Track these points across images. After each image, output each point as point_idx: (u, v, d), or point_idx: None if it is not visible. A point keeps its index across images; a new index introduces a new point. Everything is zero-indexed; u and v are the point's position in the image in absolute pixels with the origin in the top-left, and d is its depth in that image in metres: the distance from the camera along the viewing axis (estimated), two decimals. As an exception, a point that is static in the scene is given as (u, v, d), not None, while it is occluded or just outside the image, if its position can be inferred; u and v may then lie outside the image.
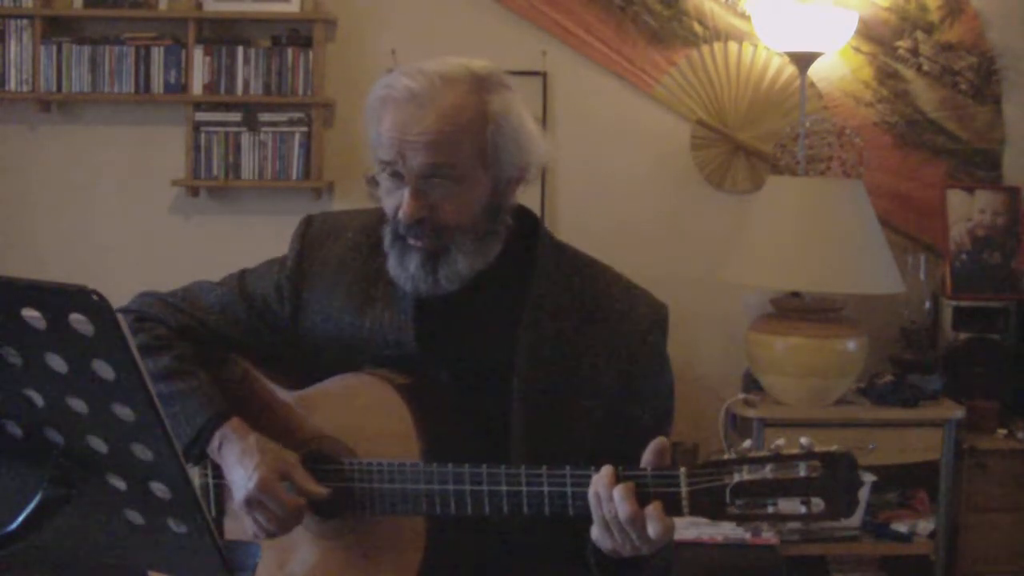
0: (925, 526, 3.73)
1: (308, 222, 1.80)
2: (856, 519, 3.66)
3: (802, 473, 1.41)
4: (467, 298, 1.66)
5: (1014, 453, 3.77)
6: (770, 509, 1.42)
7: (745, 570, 3.25)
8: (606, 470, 1.46)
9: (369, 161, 1.67)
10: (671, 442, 1.55)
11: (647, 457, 1.48)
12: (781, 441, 1.43)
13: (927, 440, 3.66)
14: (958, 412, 3.69)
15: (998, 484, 3.75)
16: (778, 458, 1.41)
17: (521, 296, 1.67)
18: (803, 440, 1.42)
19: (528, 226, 1.72)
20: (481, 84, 1.60)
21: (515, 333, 1.65)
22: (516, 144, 1.61)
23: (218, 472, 1.72)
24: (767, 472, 1.41)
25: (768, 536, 3.34)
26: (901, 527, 3.73)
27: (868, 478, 3.63)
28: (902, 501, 3.85)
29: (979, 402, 3.82)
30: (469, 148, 1.58)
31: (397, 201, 1.61)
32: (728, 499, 1.42)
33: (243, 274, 1.81)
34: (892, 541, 3.72)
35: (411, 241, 1.62)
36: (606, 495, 1.45)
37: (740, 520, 1.46)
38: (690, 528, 3.27)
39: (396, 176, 1.60)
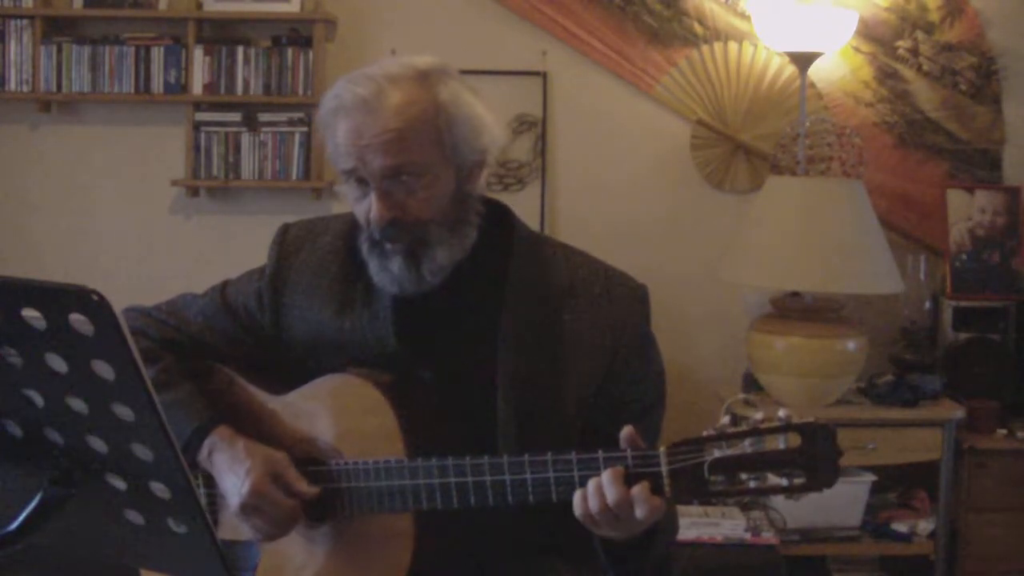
0: (925, 526, 3.73)
1: (284, 230, 1.82)
2: (856, 519, 3.66)
3: (781, 446, 1.41)
4: (446, 293, 1.67)
5: (1014, 453, 3.76)
6: (751, 484, 1.42)
7: (745, 570, 3.24)
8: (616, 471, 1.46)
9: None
10: (664, 433, 1.55)
11: (622, 445, 1.49)
12: (759, 415, 1.43)
13: (927, 440, 3.66)
14: (958, 412, 3.69)
15: (998, 484, 3.75)
16: (757, 432, 1.41)
17: (499, 287, 1.67)
18: (781, 413, 1.43)
19: (500, 217, 1.73)
20: (426, 77, 1.62)
21: (496, 323, 1.66)
22: (471, 129, 1.63)
23: (209, 482, 1.72)
24: (746, 447, 1.42)
25: (768, 536, 3.33)
26: (901, 527, 3.72)
27: (868, 478, 3.64)
28: (902, 501, 3.85)
29: (979, 402, 3.82)
30: (426, 141, 1.60)
31: (366, 207, 1.63)
32: (707, 475, 1.42)
33: (225, 285, 1.84)
34: (892, 541, 3.71)
35: (388, 246, 1.63)
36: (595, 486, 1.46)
37: (722, 496, 1.45)
38: (690, 528, 3.27)
39: (361, 182, 1.62)
